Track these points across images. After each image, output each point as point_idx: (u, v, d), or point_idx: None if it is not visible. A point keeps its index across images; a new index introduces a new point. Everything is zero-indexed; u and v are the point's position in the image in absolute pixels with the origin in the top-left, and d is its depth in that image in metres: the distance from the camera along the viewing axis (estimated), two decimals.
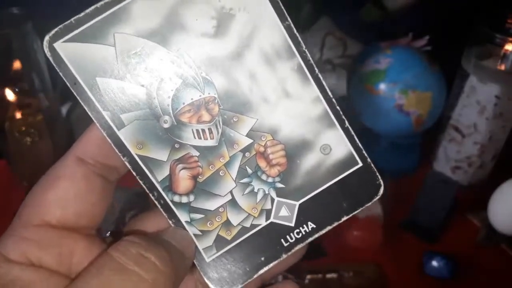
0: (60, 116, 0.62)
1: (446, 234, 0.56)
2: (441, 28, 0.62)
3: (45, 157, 0.58)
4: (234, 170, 0.22)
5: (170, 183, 0.22)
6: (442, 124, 0.61)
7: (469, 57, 0.56)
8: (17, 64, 0.56)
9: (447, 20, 0.63)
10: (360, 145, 0.22)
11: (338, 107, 0.22)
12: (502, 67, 0.54)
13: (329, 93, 0.21)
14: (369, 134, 0.61)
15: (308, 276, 0.50)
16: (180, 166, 0.21)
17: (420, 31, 0.62)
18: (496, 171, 0.61)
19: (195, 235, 0.22)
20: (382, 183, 0.23)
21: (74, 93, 0.20)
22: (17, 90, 0.56)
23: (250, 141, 0.22)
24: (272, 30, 0.20)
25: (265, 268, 0.22)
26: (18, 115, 0.57)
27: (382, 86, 0.57)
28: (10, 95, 0.56)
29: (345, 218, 0.23)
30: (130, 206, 0.51)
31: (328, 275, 0.50)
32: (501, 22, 0.54)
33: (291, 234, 0.23)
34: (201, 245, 0.22)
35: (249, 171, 0.22)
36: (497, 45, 0.53)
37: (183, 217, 0.22)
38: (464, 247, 0.55)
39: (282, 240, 0.23)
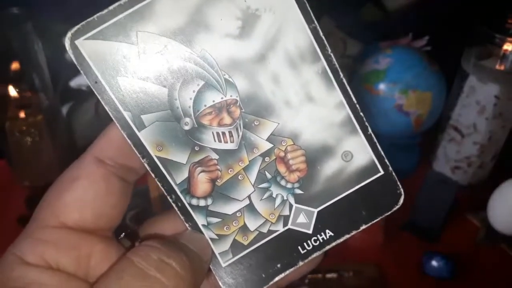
0: (60, 116, 0.62)
1: (445, 234, 0.56)
2: (441, 28, 0.62)
3: (45, 157, 0.58)
4: (253, 175, 0.21)
5: (188, 186, 0.21)
6: (442, 124, 0.61)
7: (468, 57, 0.56)
8: (17, 64, 0.56)
9: (447, 20, 0.63)
10: (382, 153, 0.22)
11: (361, 113, 0.21)
12: (502, 67, 0.54)
13: (353, 98, 0.21)
14: None
15: (308, 276, 0.50)
16: (199, 169, 0.21)
17: (420, 31, 0.62)
18: (496, 171, 0.61)
19: (211, 239, 0.22)
20: (402, 192, 0.22)
21: (95, 92, 0.20)
22: (17, 90, 0.56)
23: (271, 145, 0.21)
24: (298, 32, 0.20)
25: (281, 275, 0.22)
26: (19, 115, 0.57)
27: (382, 86, 0.57)
28: (10, 95, 0.56)
29: (363, 227, 0.22)
30: (130, 206, 0.51)
31: (328, 275, 0.50)
32: (501, 22, 0.54)
33: (309, 241, 0.22)
34: (217, 249, 0.22)
35: (268, 176, 0.22)
36: (497, 45, 0.53)
37: (200, 220, 0.22)
38: (463, 247, 0.55)
39: (299, 247, 0.22)
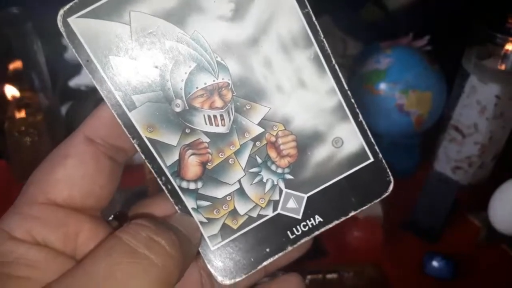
0: (59, 116, 0.62)
1: (446, 234, 0.56)
2: (441, 28, 0.62)
3: (44, 157, 0.58)
4: (243, 159, 0.21)
5: (178, 169, 0.21)
6: (443, 124, 0.61)
7: (469, 57, 0.56)
8: (16, 64, 0.56)
9: (448, 20, 0.63)
10: (372, 140, 0.22)
11: (352, 100, 0.21)
12: (503, 67, 0.54)
13: (345, 85, 0.21)
14: None
15: (309, 276, 0.50)
16: (190, 151, 0.21)
17: (421, 31, 0.62)
18: (497, 171, 0.61)
19: (201, 222, 0.22)
20: (392, 180, 0.22)
21: (87, 71, 0.19)
22: (16, 90, 0.56)
23: (262, 130, 0.21)
24: (291, 17, 0.20)
25: (270, 260, 0.22)
26: (18, 115, 0.57)
27: (383, 86, 0.57)
28: (9, 95, 0.56)
29: (352, 213, 0.22)
30: (130, 206, 0.51)
31: (329, 275, 0.50)
32: (502, 22, 0.54)
33: (298, 226, 0.22)
34: (206, 233, 0.22)
35: (259, 160, 0.22)
36: (498, 45, 0.53)
37: (190, 203, 0.22)
38: (464, 247, 0.55)
39: (288, 232, 0.22)
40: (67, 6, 0.19)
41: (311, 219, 0.22)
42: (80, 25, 0.19)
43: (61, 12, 0.19)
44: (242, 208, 0.22)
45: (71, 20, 0.19)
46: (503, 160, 0.60)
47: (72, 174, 0.20)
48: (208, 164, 0.21)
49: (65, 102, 0.63)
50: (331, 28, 0.68)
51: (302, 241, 0.22)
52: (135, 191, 0.49)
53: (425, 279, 0.51)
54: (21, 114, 0.56)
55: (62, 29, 0.19)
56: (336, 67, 0.21)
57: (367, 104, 0.59)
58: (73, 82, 0.63)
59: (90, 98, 0.62)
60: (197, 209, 0.22)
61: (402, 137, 0.61)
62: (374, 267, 0.52)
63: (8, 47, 0.55)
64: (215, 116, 0.21)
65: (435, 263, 0.51)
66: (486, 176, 0.61)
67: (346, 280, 0.50)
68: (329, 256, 0.53)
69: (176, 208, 0.22)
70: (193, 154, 0.21)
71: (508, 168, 0.57)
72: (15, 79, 0.56)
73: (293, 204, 0.22)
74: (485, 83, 0.54)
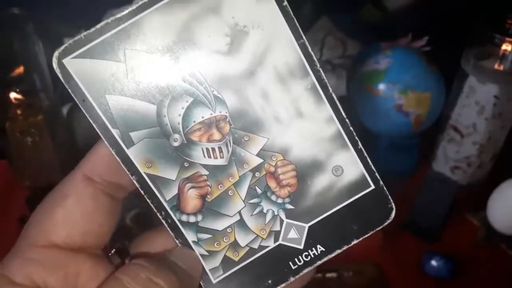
0: (61, 116, 0.62)
1: (445, 234, 0.56)
2: (440, 28, 0.62)
3: (46, 157, 0.59)
4: (243, 190, 0.21)
5: (178, 202, 0.21)
6: (441, 124, 0.61)
7: (468, 58, 0.56)
8: (18, 65, 0.56)
9: (447, 21, 0.63)
10: (373, 167, 0.22)
11: (351, 128, 0.21)
12: (501, 68, 0.54)
13: (343, 113, 0.21)
14: (369, 134, 0.61)
15: None
16: (189, 185, 0.21)
17: (420, 32, 0.62)
18: (495, 171, 0.61)
19: (202, 255, 0.22)
20: (394, 206, 0.22)
21: (83, 110, 0.20)
22: (18, 90, 0.56)
23: (261, 160, 0.21)
24: (287, 49, 0.20)
25: None
26: (19, 115, 0.57)
27: (382, 86, 0.57)
28: (11, 95, 0.56)
29: (355, 241, 0.22)
30: (129, 207, 0.51)
31: (328, 275, 0.50)
32: (500, 22, 0.54)
33: (300, 257, 0.22)
34: (208, 266, 0.22)
35: (259, 191, 0.22)
36: (496, 46, 0.53)
37: (190, 236, 0.22)
38: (463, 247, 0.55)
39: (290, 263, 0.22)
40: (62, 48, 0.19)
41: (313, 249, 0.22)
42: (75, 65, 0.19)
43: (56, 53, 0.19)
44: (243, 239, 0.22)
45: (66, 61, 0.19)
46: (501, 160, 0.60)
47: (71, 214, 0.20)
48: (208, 196, 0.21)
49: (66, 102, 0.63)
50: (331, 28, 0.68)
51: (305, 271, 0.22)
52: (136, 194, 0.49)
53: (424, 279, 0.51)
54: (22, 114, 0.57)
55: (57, 71, 0.19)
56: (333, 95, 0.21)
57: (366, 105, 0.59)
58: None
59: None
60: (198, 242, 0.22)
61: (401, 137, 0.62)
62: (374, 266, 0.52)
63: (9, 48, 0.55)
64: (213, 149, 0.21)
65: (434, 263, 0.51)
66: (484, 176, 0.62)
67: (345, 279, 0.50)
68: None
69: (177, 241, 0.22)
70: (192, 187, 0.21)
71: (506, 168, 0.57)
72: (17, 80, 0.56)
73: (295, 234, 0.22)
74: (484, 83, 0.55)
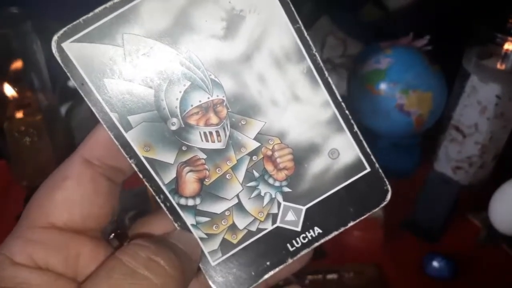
0: (59, 116, 0.62)
1: (446, 234, 0.56)
2: (441, 27, 0.62)
3: (44, 157, 0.58)
4: (241, 174, 0.22)
5: (176, 186, 0.21)
6: (443, 124, 0.61)
7: (470, 57, 0.56)
8: (16, 64, 0.56)
9: (448, 20, 0.63)
10: (368, 150, 0.22)
11: (347, 111, 0.21)
12: (503, 67, 0.54)
13: (339, 97, 0.21)
14: (369, 134, 0.61)
15: (309, 277, 0.49)
16: (187, 168, 0.21)
17: (421, 31, 0.61)
18: (497, 171, 0.61)
19: (200, 238, 0.22)
20: (389, 188, 0.22)
21: (82, 94, 0.20)
22: (16, 89, 0.56)
23: (258, 144, 0.21)
24: (282, 33, 0.20)
25: (271, 273, 0.22)
26: (17, 115, 0.56)
27: (383, 86, 0.57)
28: (9, 94, 0.56)
29: (351, 223, 0.22)
30: (128, 207, 0.51)
31: (329, 276, 0.50)
32: (502, 21, 0.54)
33: (297, 239, 0.22)
34: (206, 248, 0.22)
35: (256, 174, 0.22)
36: (498, 45, 0.53)
37: (189, 220, 0.22)
38: (464, 247, 0.55)
39: (288, 245, 0.22)
40: (61, 32, 0.19)
41: (310, 230, 0.22)
42: (74, 49, 0.19)
43: (55, 37, 0.19)
44: (241, 222, 0.22)
45: (65, 45, 0.19)
46: (503, 160, 0.60)
47: (71, 196, 0.20)
48: (206, 180, 0.22)
49: (64, 102, 0.63)
50: (331, 28, 0.68)
51: (302, 253, 0.22)
52: (135, 192, 0.49)
53: (425, 279, 0.51)
54: (21, 114, 0.56)
55: (56, 55, 0.19)
56: (329, 79, 0.21)
57: (368, 104, 0.59)
58: (73, 82, 0.63)
59: None
60: (197, 225, 0.22)
61: (402, 137, 0.61)
62: (374, 267, 0.52)
63: (7, 47, 0.55)
64: (210, 133, 0.21)
65: (435, 263, 0.51)
66: (486, 176, 0.61)
67: (346, 280, 0.50)
68: (329, 256, 0.53)
69: (176, 225, 0.22)
70: (190, 171, 0.21)
71: (508, 168, 0.57)
72: (15, 79, 0.56)
73: (292, 217, 0.22)
74: (486, 83, 0.54)
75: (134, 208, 0.51)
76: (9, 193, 0.60)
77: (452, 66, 0.58)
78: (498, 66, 0.54)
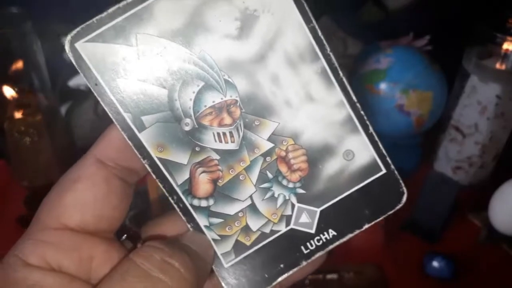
0: (59, 116, 0.61)
1: (446, 234, 0.56)
2: (442, 27, 0.62)
3: (44, 157, 0.58)
4: (254, 175, 0.21)
5: (189, 187, 0.21)
6: (443, 124, 0.61)
7: (470, 57, 0.56)
8: (16, 64, 0.56)
9: (448, 20, 0.62)
10: (384, 151, 0.22)
11: (362, 112, 0.21)
12: (503, 67, 0.54)
13: (354, 97, 0.21)
14: None
15: (309, 277, 0.49)
16: (200, 169, 0.21)
17: (421, 31, 0.61)
18: (497, 171, 0.61)
19: (214, 240, 0.22)
20: (405, 191, 0.22)
21: (95, 94, 0.20)
22: (16, 90, 0.56)
23: (271, 145, 0.21)
24: (297, 32, 0.20)
25: (284, 276, 0.22)
26: (17, 115, 0.56)
27: (383, 86, 0.57)
28: (9, 95, 0.56)
29: (366, 226, 0.22)
30: (129, 207, 0.51)
31: (329, 276, 0.50)
32: (502, 21, 0.54)
33: (311, 241, 0.22)
34: (219, 250, 0.22)
35: (270, 175, 0.22)
36: (498, 45, 0.53)
37: (202, 221, 0.22)
38: (464, 247, 0.55)
39: (302, 247, 0.22)
40: (74, 32, 0.19)
41: (325, 233, 0.22)
42: (87, 49, 0.19)
43: (68, 37, 0.19)
44: (255, 224, 0.22)
45: (78, 45, 0.19)
46: (503, 160, 0.60)
47: (84, 197, 0.20)
48: (219, 181, 0.21)
49: (64, 102, 0.63)
50: (332, 28, 0.68)
51: (316, 255, 0.22)
52: (136, 192, 0.49)
53: (425, 279, 0.51)
54: (21, 114, 0.56)
55: (70, 54, 0.19)
56: (344, 79, 0.21)
57: (368, 104, 0.59)
58: (73, 82, 0.63)
59: (90, 98, 0.62)
60: (210, 226, 0.22)
61: (402, 137, 0.61)
62: (374, 267, 0.52)
63: (7, 47, 0.55)
64: (224, 134, 0.21)
65: (435, 263, 0.51)
66: (486, 176, 0.61)
67: (346, 280, 0.50)
68: (329, 256, 0.53)
69: (189, 226, 0.22)
70: (203, 171, 0.21)
71: (508, 168, 0.57)
72: (15, 79, 0.56)
73: (306, 219, 0.22)
74: (486, 83, 0.54)
75: (134, 208, 0.51)
76: (9, 193, 0.60)
77: (452, 66, 0.58)
78: (498, 66, 0.54)
